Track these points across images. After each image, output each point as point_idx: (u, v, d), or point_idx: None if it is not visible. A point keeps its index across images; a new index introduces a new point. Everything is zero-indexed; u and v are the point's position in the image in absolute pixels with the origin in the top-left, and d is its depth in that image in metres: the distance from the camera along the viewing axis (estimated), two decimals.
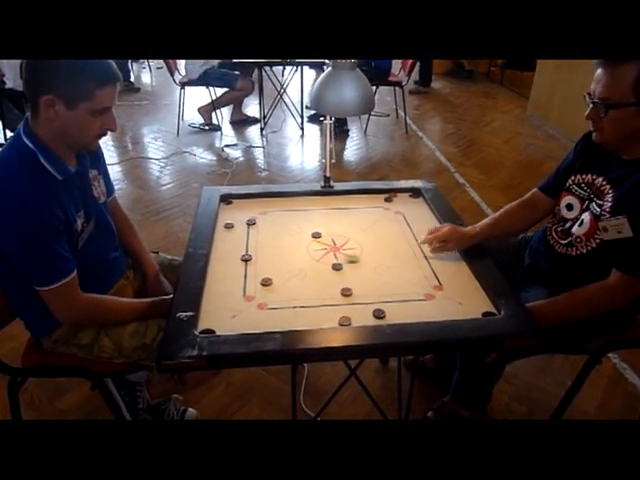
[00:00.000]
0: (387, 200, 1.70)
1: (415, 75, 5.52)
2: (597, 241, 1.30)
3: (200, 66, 4.12)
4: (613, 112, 1.21)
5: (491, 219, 1.53)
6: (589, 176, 1.37)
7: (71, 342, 1.32)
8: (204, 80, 4.19)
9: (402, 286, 1.27)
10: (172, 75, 4.22)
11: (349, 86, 1.34)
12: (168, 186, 3.52)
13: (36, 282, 1.18)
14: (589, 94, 1.26)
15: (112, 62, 1.16)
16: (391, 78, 4.40)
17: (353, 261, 1.36)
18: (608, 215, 1.27)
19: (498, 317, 1.15)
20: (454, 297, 1.23)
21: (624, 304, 1.29)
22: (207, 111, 4.45)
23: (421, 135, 4.52)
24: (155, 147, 4.16)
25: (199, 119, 4.50)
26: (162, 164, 3.85)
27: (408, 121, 4.64)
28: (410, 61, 4.27)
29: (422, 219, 1.58)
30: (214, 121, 4.49)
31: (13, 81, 3.42)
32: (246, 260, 1.35)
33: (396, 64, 4.54)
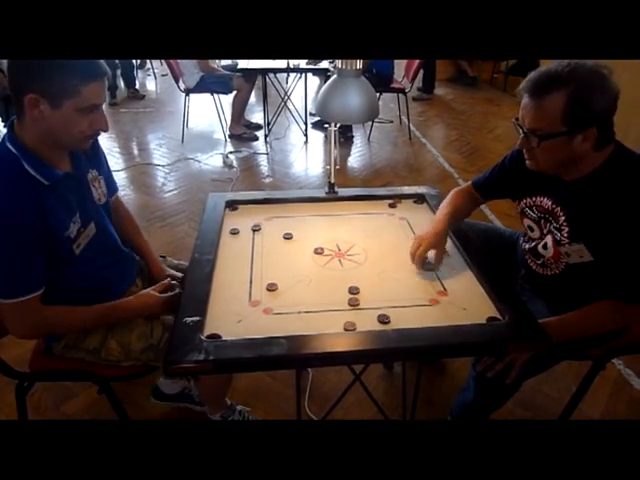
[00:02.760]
0: (391, 206, 1.71)
1: (418, 82, 5.54)
2: (564, 264, 1.31)
3: (196, 74, 4.15)
4: (545, 143, 1.18)
5: (447, 208, 1.51)
6: (538, 198, 1.36)
7: (80, 347, 1.33)
8: (202, 87, 4.22)
9: (407, 291, 1.28)
10: (177, 82, 4.25)
11: (354, 93, 1.35)
12: (173, 192, 3.54)
13: None
14: (517, 120, 1.23)
15: None
16: (394, 85, 4.42)
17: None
18: (567, 241, 1.26)
19: (502, 322, 1.15)
20: (458, 302, 1.24)
21: (629, 323, 1.33)
22: (235, 126, 4.49)
23: (424, 141, 4.53)
24: (160, 154, 4.18)
25: (204, 127, 4.50)
26: (167, 170, 3.88)
27: (412, 128, 4.65)
28: (413, 68, 4.28)
29: (426, 225, 1.58)
30: (245, 130, 4.54)
31: None
32: (271, 290, 1.28)
33: (399, 71, 4.55)
